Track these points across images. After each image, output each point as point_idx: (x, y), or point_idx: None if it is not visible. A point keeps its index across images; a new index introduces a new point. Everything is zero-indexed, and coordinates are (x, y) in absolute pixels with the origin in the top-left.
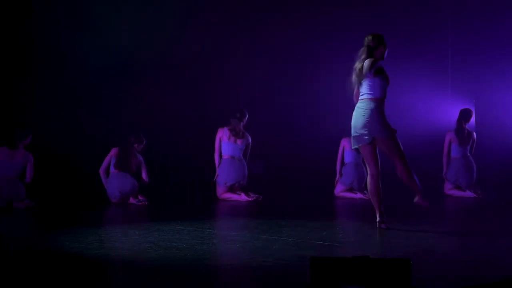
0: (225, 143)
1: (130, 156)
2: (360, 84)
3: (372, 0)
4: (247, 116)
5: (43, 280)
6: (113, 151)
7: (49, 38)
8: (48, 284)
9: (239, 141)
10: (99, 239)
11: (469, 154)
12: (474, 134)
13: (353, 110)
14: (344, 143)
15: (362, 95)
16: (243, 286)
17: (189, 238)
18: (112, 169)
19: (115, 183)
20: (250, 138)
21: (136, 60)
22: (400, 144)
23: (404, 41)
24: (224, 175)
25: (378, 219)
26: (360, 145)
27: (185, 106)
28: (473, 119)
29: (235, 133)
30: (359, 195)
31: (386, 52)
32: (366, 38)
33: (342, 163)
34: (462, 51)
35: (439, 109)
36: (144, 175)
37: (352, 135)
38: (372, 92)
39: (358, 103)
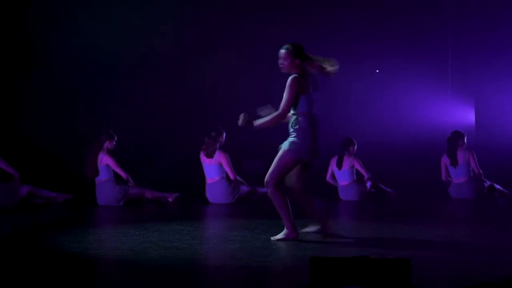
0: (203, 165)
1: (96, 158)
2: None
3: (372, 0)
4: (224, 135)
5: (43, 280)
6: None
7: (47, 38)
8: (48, 284)
9: (209, 161)
10: (99, 239)
11: (466, 176)
12: (472, 152)
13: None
14: (332, 165)
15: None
16: (243, 286)
17: (189, 238)
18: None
19: (96, 193)
20: (223, 156)
21: (136, 60)
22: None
23: (404, 41)
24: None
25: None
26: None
27: (185, 106)
28: (472, 119)
29: (206, 153)
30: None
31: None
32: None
33: (334, 179)
34: (462, 51)
35: (439, 109)
36: (123, 175)
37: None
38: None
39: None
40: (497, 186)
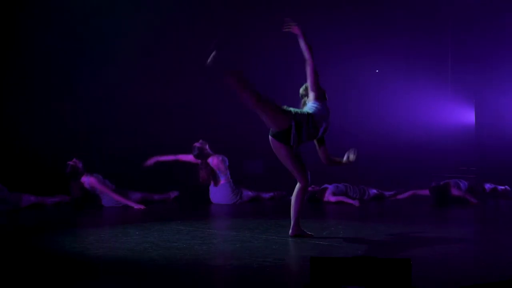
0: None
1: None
2: None
3: (372, 2)
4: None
5: (43, 280)
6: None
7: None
8: (48, 284)
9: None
10: (99, 239)
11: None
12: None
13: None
14: None
15: None
16: (243, 286)
17: (189, 238)
18: None
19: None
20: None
21: (136, 60)
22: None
23: (405, 42)
24: None
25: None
26: None
27: (186, 107)
28: (472, 119)
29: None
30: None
31: None
32: None
33: None
34: (462, 51)
35: (439, 109)
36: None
37: None
38: None
39: None
40: (500, 188)
